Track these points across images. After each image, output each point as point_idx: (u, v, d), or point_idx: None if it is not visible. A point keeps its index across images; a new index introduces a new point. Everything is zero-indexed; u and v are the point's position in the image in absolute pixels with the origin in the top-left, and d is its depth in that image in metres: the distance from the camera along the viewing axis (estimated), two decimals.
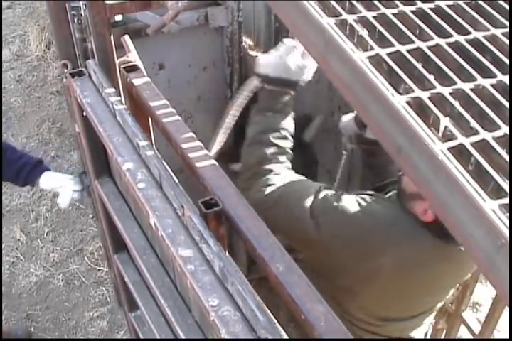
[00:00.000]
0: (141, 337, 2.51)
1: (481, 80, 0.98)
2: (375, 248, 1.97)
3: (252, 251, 1.45)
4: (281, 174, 2.04)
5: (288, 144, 2.14)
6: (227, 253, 1.43)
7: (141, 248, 1.96)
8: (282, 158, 2.09)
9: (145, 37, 2.57)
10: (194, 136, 1.73)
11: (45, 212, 4.56)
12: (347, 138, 2.65)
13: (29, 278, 4.18)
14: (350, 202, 1.96)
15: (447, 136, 0.91)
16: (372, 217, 1.96)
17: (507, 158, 0.87)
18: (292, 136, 2.17)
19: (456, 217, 0.86)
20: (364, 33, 1.05)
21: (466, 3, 1.12)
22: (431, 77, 0.99)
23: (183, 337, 1.74)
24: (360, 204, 1.97)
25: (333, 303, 1.70)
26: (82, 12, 1.96)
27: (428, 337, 3.01)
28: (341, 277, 2.05)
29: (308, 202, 1.95)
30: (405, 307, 2.17)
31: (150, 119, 1.97)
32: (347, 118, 2.60)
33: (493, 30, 1.07)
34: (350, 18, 1.07)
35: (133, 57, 2.08)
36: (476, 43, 1.05)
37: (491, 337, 3.01)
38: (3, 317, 3.96)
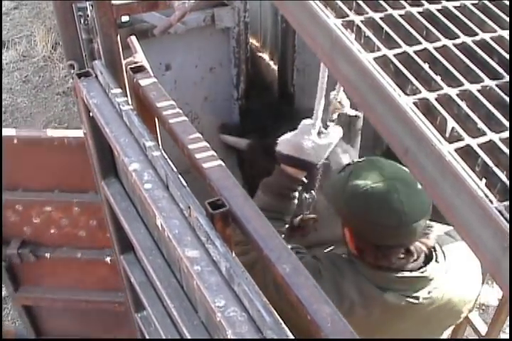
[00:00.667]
0: (147, 337, 2.52)
1: (488, 81, 0.98)
2: None
3: (259, 251, 1.45)
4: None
5: (280, 227, 2.12)
6: (233, 253, 1.43)
7: (148, 248, 1.96)
8: None
9: (152, 37, 2.58)
10: (201, 136, 1.73)
11: None
12: None
13: None
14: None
15: (454, 137, 0.90)
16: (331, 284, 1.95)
17: None
18: (287, 219, 2.17)
19: (463, 218, 0.86)
20: (371, 33, 1.05)
21: (472, 4, 1.12)
22: (438, 78, 0.99)
23: (189, 337, 1.74)
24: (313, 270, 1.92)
25: None
26: (89, 13, 1.96)
27: None
28: None
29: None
30: None
31: (157, 120, 1.97)
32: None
33: (500, 32, 1.07)
34: (357, 19, 1.07)
35: (139, 57, 2.09)
36: (483, 44, 1.05)
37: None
38: (9, 318, 3.97)
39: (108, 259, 3.05)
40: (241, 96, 3.10)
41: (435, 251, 2.01)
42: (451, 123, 0.92)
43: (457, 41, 1.05)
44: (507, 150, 0.88)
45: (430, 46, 1.04)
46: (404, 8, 1.11)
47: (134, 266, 2.33)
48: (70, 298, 3.34)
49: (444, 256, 2.01)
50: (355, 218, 1.93)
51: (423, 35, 1.06)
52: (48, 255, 3.12)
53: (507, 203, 0.82)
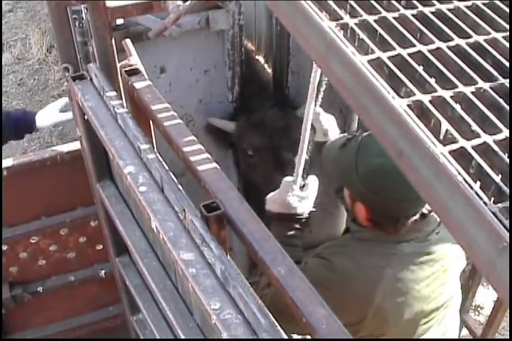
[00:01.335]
0: None
1: (482, 84, 0.98)
2: (362, 296, 2.04)
3: (254, 254, 1.45)
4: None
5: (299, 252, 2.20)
6: (228, 256, 1.43)
7: (143, 251, 1.96)
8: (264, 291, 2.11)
9: (146, 40, 2.58)
10: (195, 139, 1.73)
11: None
12: None
13: None
14: (314, 272, 2.00)
15: (448, 139, 0.91)
16: (342, 271, 2.05)
17: (508, 161, 0.87)
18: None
19: (458, 220, 0.86)
20: (365, 36, 1.05)
21: (466, 6, 1.12)
22: (432, 81, 0.99)
23: None
24: (324, 267, 2.08)
25: None
26: (84, 16, 1.96)
27: None
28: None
29: None
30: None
31: (151, 123, 1.97)
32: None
33: (493, 34, 1.07)
34: (352, 22, 1.08)
35: (134, 60, 2.08)
36: (476, 47, 1.05)
37: None
38: None
39: (103, 273, 2.95)
40: (236, 99, 3.10)
41: None
42: (445, 125, 0.92)
43: (451, 43, 1.05)
44: (501, 152, 0.88)
45: (424, 48, 1.04)
46: (399, 10, 1.11)
47: (129, 268, 2.33)
48: (63, 330, 3.12)
49: None
50: (373, 195, 1.99)
51: (417, 38, 1.07)
52: (40, 289, 2.90)
53: (501, 205, 0.83)
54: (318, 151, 2.39)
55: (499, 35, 1.07)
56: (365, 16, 1.09)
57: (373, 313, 2.03)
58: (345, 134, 2.33)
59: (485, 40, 1.06)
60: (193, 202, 1.52)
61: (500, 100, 0.95)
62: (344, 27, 1.07)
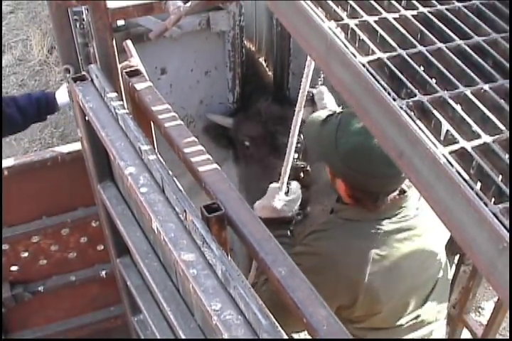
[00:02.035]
0: None
1: (482, 84, 0.99)
2: (353, 277, 2.05)
3: (255, 255, 1.45)
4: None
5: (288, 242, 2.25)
6: (229, 257, 1.43)
7: (144, 252, 1.96)
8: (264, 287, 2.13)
9: (147, 41, 2.58)
10: (196, 140, 1.74)
11: None
12: None
13: None
14: (302, 260, 1.99)
15: (449, 140, 0.91)
16: (327, 256, 2.07)
17: (508, 161, 0.87)
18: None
19: (458, 220, 0.86)
20: (365, 37, 1.06)
21: (467, 7, 1.13)
22: (433, 82, 0.99)
23: None
24: (308, 253, 2.11)
25: None
26: (85, 17, 1.96)
27: None
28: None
29: None
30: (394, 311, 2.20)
31: (152, 124, 1.97)
32: None
33: (494, 35, 1.07)
34: (352, 23, 1.08)
35: (135, 61, 2.09)
36: (477, 48, 1.05)
37: None
38: None
39: (104, 273, 2.95)
40: (236, 100, 3.11)
41: None
42: (445, 126, 0.92)
43: (452, 44, 1.06)
44: (501, 153, 0.88)
45: (425, 49, 1.04)
46: (399, 11, 1.11)
47: (130, 269, 2.33)
48: (63, 330, 3.13)
49: None
50: (354, 172, 2.02)
51: (418, 39, 1.07)
52: (41, 289, 2.90)
53: (502, 205, 0.83)
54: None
55: (499, 36, 1.07)
56: (365, 17, 1.09)
57: (364, 294, 2.05)
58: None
59: (485, 41, 1.06)
60: (193, 203, 1.52)
61: (501, 101, 0.96)
62: (345, 28, 1.07)
